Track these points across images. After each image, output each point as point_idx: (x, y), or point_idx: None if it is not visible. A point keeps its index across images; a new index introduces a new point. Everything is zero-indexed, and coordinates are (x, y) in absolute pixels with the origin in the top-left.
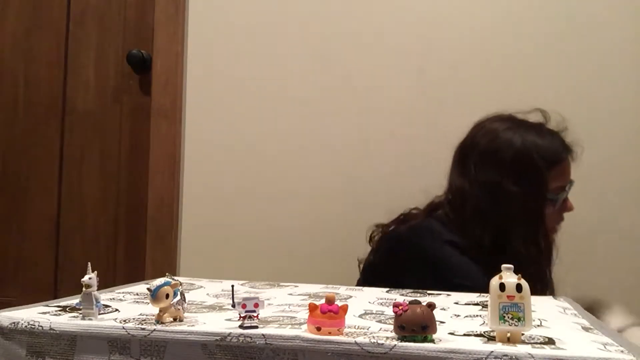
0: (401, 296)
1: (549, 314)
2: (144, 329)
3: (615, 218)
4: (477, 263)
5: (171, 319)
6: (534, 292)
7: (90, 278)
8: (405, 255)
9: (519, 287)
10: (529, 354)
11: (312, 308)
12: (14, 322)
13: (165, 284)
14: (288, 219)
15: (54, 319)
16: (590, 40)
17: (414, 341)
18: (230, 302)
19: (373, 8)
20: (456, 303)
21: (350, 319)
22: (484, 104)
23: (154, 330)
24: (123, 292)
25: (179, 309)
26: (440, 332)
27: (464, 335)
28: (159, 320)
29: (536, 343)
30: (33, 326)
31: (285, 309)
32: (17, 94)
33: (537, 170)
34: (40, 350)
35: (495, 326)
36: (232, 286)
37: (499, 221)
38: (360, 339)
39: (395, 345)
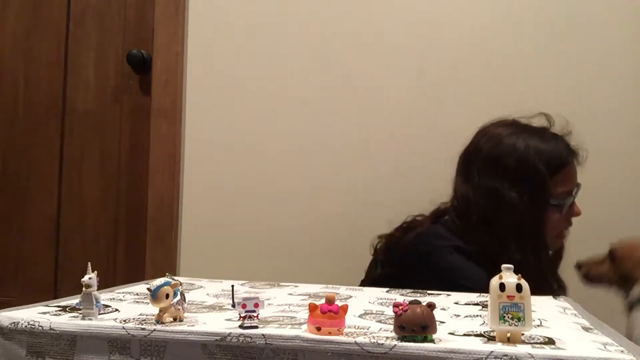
0: (401, 296)
1: (549, 314)
2: (144, 329)
3: (617, 220)
4: (484, 269)
5: (171, 319)
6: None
7: (90, 278)
8: (416, 263)
9: (519, 287)
10: (529, 354)
11: (312, 308)
12: (14, 322)
13: (165, 284)
14: (288, 219)
15: (54, 319)
16: (590, 40)
17: (414, 341)
18: (230, 302)
19: (373, 8)
20: (456, 303)
21: (350, 319)
22: (484, 104)
23: (154, 330)
24: (123, 292)
25: (179, 309)
26: (440, 332)
27: (464, 335)
28: (159, 320)
29: (536, 343)
30: (33, 326)
31: (285, 309)
32: (17, 94)
33: (540, 176)
34: (40, 350)
35: (495, 326)
36: (232, 286)
37: (503, 228)
38: (360, 339)
39: (395, 345)
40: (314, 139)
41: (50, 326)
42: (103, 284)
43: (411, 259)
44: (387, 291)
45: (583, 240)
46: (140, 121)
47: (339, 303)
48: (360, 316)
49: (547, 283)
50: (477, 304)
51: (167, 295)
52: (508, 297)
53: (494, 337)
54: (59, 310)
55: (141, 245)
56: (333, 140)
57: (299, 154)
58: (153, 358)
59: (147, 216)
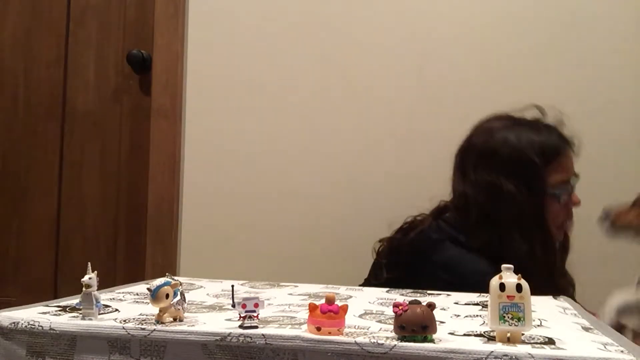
0: (401, 296)
1: (549, 314)
2: (144, 329)
3: None
4: (487, 261)
5: (171, 319)
6: (543, 291)
7: (90, 278)
8: (418, 261)
9: (519, 287)
10: (529, 354)
11: (312, 308)
12: (14, 322)
13: (165, 284)
14: (288, 219)
15: (54, 319)
16: (591, 40)
17: (414, 341)
18: (230, 302)
19: (373, 8)
20: (456, 303)
21: (350, 319)
22: (484, 104)
23: (154, 330)
24: (123, 292)
25: (179, 309)
26: (440, 332)
27: (464, 335)
28: (159, 320)
29: (536, 343)
30: (33, 326)
31: (285, 309)
32: (17, 94)
33: (535, 166)
34: (40, 350)
35: (495, 326)
36: (232, 286)
37: (505, 221)
38: (360, 339)
39: (395, 345)
40: (314, 139)
41: (50, 326)
42: (103, 284)
43: (413, 256)
44: (387, 291)
45: (584, 241)
46: (140, 121)
47: (339, 303)
48: (360, 316)
49: (557, 275)
50: (477, 304)
51: (167, 295)
52: (508, 297)
53: (494, 337)
54: (59, 310)
55: (141, 245)
56: (333, 140)
57: (299, 154)
58: (153, 358)
59: (147, 216)
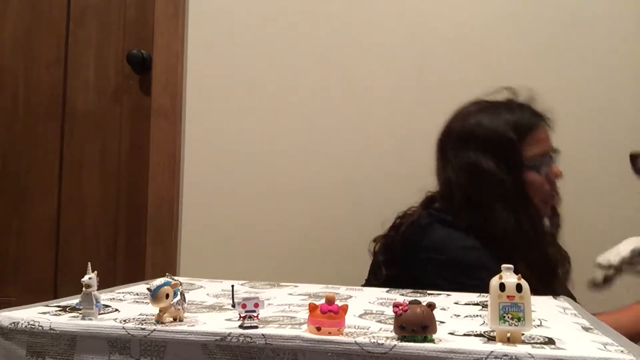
0: (401, 296)
1: (549, 314)
2: (144, 329)
3: (617, 219)
4: (477, 241)
5: (171, 319)
6: (536, 265)
7: (90, 278)
8: (413, 252)
9: (519, 287)
10: (529, 354)
11: (312, 308)
12: (14, 322)
13: (165, 284)
14: (288, 219)
15: (54, 319)
16: (591, 40)
17: (414, 341)
18: (230, 302)
19: (373, 8)
20: (456, 303)
21: (350, 319)
22: None
23: (154, 330)
24: (123, 292)
25: (179, 309)
26: (440, 332)
27: (464, 335)
28: (159, 320)
29: (536, 343)
30: (33, 326)
31: (285, 309)
32: (17, 94)
33: (511, 142)
34: (40, 350)
35: (495, 326)
36: (232, 286)
37: (489, 199)
38: (360, 339)
39: (395, 345)
40: (314, 138)
41: (50, 326)
42: (103, 284)
43: (405, 249)
44: (387, 291)
45: (586, 242)
46: (140, 121)
47: (339, 303)
48: (360, 316)
49: (547, 248)
50: (477, 304)
51: (167, 295)
52: (508, 297)
53: (494, 337)
54: (59, 310)
55: (141, 245)
56: (333, 140)
57: (299, 154)
58: (153, 358)
59: (147, 216)
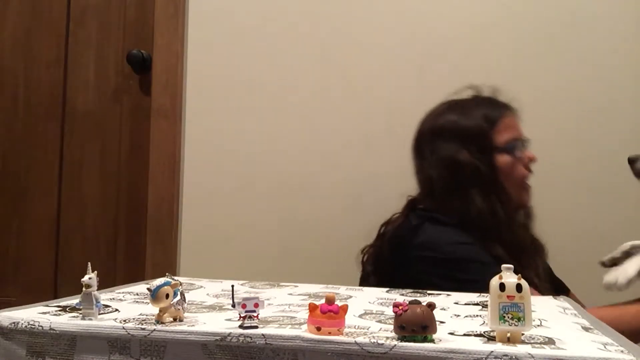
0: (401, 296)
1: (549, 314)
2: (144, 329)
3: (616, 219)
4: (467, 235)
5: (171, 319)
6: (512, 249)
7: (90, 278)
8: (404, 254)
9: (519, 287)
10: (529, 354)
11: (312, 308)
12: (14, 322)
13: (165, 284)
14: (288, 218)
15: (54, 319)
16: (591, 40)
17: (414, 341)
18: (230, 302)
19: (373, 8)
20: (456, 303)
21: (350, 319)
22: None
23: (154, 330)
24: (123, 292)
25: (179, 309)
26: (440, 332)
27: (464, 335)
28: (159, 320)
29: (536, 343)
30: (33, 326)
31: (285, 309)
32: (17, 94)
33: (481, 131)
34: (40, 350)
35: (495, 326)
36: (232, 286)
37: (464, 185)
38: (360, 339)
39: (395, 345)
40: (314, 138)
41: (50, 326)
42: (103, 284)
43: (399, 250)
44: (387, 291)
45: (586, 242)
46: (140, 121)
47: (339, 303)
48: (360, 316)
49: (518, 230)
50: (477, 304)
51: (167, 295)
52: (508, 297)
53: (494, 337)
54: (59, 310)
55: (141, 245)
56: (333, 140)
57: (299, 154)
58: (153, 358)
59: (147, 216)
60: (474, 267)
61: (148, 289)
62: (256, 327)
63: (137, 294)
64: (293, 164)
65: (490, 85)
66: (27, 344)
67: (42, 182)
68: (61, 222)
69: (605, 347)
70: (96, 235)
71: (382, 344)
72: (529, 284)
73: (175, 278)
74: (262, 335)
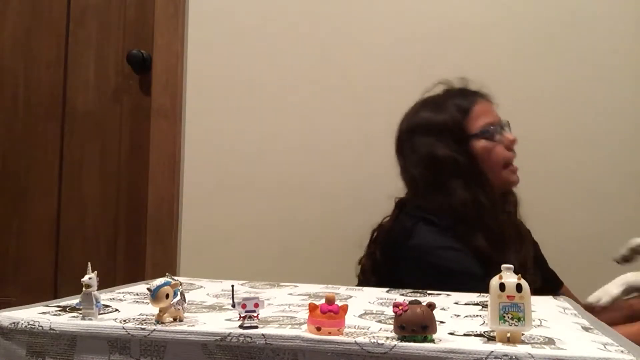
0: (401, 296)
1: (549, 314)
2: (144, 329)
3: (615, 220)
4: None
5: (171, 319)
6: (495, 237)
7: (90, 278)
8: (400, 257)
9: (519, 287)
10: (529, 354)
11: (312, 308)
12: (14, 322)
13: (165, 284)
14: (288, 218)
15: (54, 319)
16: (591, 40)
17: (414, 341)
18: (230, 302)
19: (373, 8)
20: (456, 303)
21: (350, 319)
22: None
23: (154, 330)
24: (123, 292)
25: (179, 309)
26: (440, 332)
27: (464, 335)
28: (159, 320)
29: (536, 343)
30: (33, 326)
31: (285, 309)
32: (17, 94)
33: (456, 123)
34: (40, 350)
35: (495, 326)
36: (232, 286)
37: (445, 177)
38: (360, 339)
39: (395, 345)
40: (315, 138)
41: (50, 326)
42: (103, 284)
43: (394, 251)
44: (387, 291)
45: (587, 242)
46: (140, 121)
47: (339, 303)
48: (360, 316)
49: (500, 215)
50: (477, 304)
51: (167, 295)
52: (508, 297)
53: (494, 337)
54: (59, 310)
55: (141, 245)
56: (334, 141)
57: (299, 154)
58: (153, 358)
59: (147, 216)
60: (461, 276)
61: (148, 289)
62: (256, 327)
63: (137, 294)
64: (293, 164)
65: (460, 77)
66: (27, 344)
67: (42, 182)
68: (61, 222)
69: (605, 347)
70: (96, 235)
71: (382, 344)
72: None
73: (175, 278)
74: (262, 335)
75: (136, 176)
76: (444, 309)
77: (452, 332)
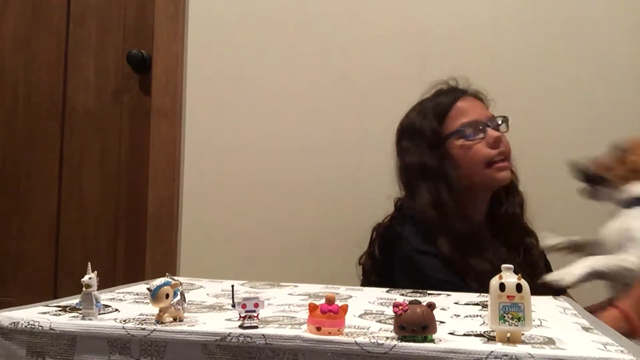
0: (401, 296)
1: (549, 314)
2: (144, 329)
3: None
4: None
5: (171, 319)
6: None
7: (90, 278)
8: (395, 256)
9: (519, 287)
10: (529, 354)
11: (312, 308)
12: (14, 322)
13: (165, 284)
14: (288, 219)
15: (54, 319)
16: (591, 40)
17: (414, 341)
18: (230, 302)
19: (373, 8)
20: (456, 303)
21: (350, 319)
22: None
23: (154, 330)
24: (123, 292)
25: (179, 309)
26: (440, 332)
27: (464, 335)
28: (159, 320)
29: (536, 343)
30: (33, 326)
31: (285, 309)
32: (17, 94)
33: (429, 126)
34: (40, 350)
35: (495, 326)
36: (232, 286)
37: (414, 185)
38: (360, 339)
39: (395, 345)
40: (315, 138)
41: (50, 326)
42: (103, 284)
43: (389, 250)
44: (387, 291)
45: None
46: (140, 121)
47: (339, 303)
48: (360, 316)
49: (471, 221)
50: (477, 304)
51: (167, 295)
52: (508, 297)
53: (494, 337)
54: (59, 310)
55: (141, 245)
56: (333, 140)
57: (299, 154)
58: (153, 358)
59: (147, 216)
60: (426, 280)
61: (148, 289)
62: (256, 327)
63: (137, 294)
64: (293, 164)
65: (450, 77)
66: (27, 344)
67: (42, 182)
68: (61, 222)
69: (605, 347)
70: (96, 235)
71: (382, 344)
72: (482, 273)
73: (175, 278)
74: (262, 335)
75: (136, 176)
76: (444, 309)
77: (452, 332)
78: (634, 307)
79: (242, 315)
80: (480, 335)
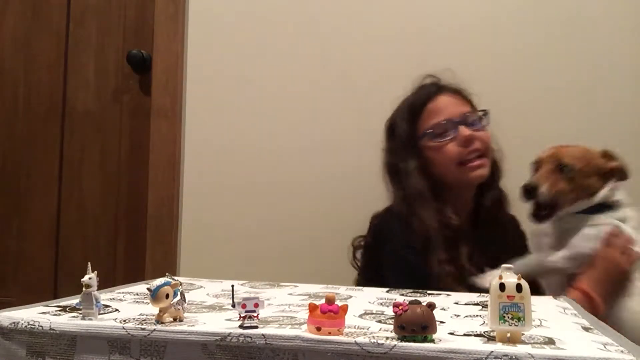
0: (401, 296)
1: (549, 314)
2: (144, 329)
3: None
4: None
5: (171, 319)
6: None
7: (90, 278)
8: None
9: (519, 287)
10: (529, 354)
11: (312, 308)
12: (14, 322)
13: (165, 284)
14: (288, 218)
15: (54, 319)
16: (591, 40)
17: (414, 341)
18: (230, 302)
19: (373, 7)
20: (456, 303)
21: (350, 319)
22: (484, 103)
23: (154, 330)
24: (123, 292)
25: (179, 309)
26: (440, 332)
27: (464, 335)
28: (159, 320)
29: (536, 343)
30: (33, 326)
31: (285, 309)
32: (17, 94)
33: (403, 123)
34: (40, 350)
35: (495, 326)
36: (232, 286)
37: (390, 183)
38: (360, 339)
39: (395, 345)
40: (314, 138)
41: (50, 326)
42: (103, 284)
43: (378, 240)
44: (387, 291)
45: None
46: (140, 121)
47: (339, 303)
48: (360, 316)
49: (425, 212)
50: (477, 304)
51: (167, 295)
52: (508, 297)
53: (494, 337)
54: (59, 310)
55: (141, 245)
56: (334, 141)
57: (299, 154)
58: (153, 358)
59: (147, 216)
60: (401, 273)
61: (148, 289)
62: (256, 327)
63: (137, 294)
64: (293, 164)
65: (429, 74)
66: (27, 344)
67: (42, 182)
68: (61, 222)
69: (605, 347)
70: (96, 235)
71: (382, 344)
72: (449, 273)
73: (175, 278)
74: (262, 335)
75: (136, 176)
76: (444, 309)
77: (452, 332)
78: (592, 286)
79: (242, 315)
80: (480, 335)
